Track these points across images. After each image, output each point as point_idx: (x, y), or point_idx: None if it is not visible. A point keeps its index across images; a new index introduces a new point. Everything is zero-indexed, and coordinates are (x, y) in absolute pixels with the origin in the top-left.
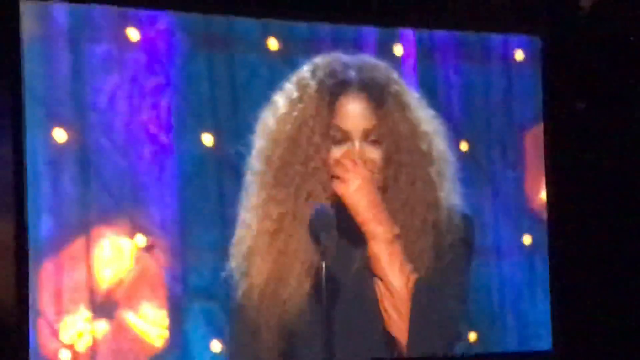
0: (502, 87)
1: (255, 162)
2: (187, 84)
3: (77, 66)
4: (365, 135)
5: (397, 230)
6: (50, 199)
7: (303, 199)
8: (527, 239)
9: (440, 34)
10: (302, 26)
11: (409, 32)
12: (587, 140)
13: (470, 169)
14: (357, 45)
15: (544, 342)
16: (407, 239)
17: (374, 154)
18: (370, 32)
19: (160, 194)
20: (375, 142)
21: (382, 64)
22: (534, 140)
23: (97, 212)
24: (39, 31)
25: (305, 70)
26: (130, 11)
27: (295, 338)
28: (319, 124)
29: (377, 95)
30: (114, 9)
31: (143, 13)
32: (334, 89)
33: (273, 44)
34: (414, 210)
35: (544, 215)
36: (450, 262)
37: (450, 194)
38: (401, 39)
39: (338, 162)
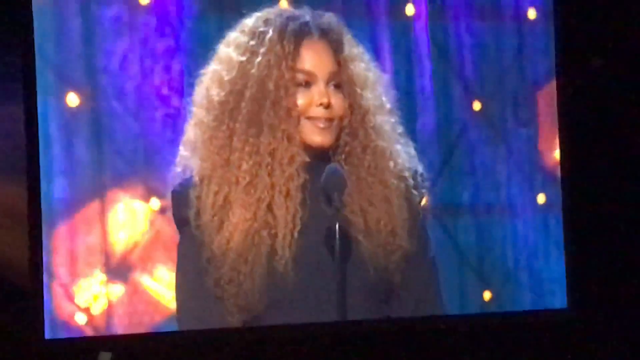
0: (515, 46)
1: (207, 115)
2: (198, 46)
3: (88, 30)
4: (330, 78)
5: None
6: (64, 163)
7: (278, 144)
8: (541, 198)
9: None
10: None
11: None
12: (602, 98)
13: (483, 128)
14: (368, 4)
15: (559, 300)
16: (372, 185)
17: (338, 98)
18: None
19: (174, 156)
20: (337, 87)
21: (329, 14)
22: (547, 99)
23: (111, 176)
24: None
25: (253, 20)
26: None
27: (280, 291)
28: (285, 67)
29: (336, 42)
30: None
31: None
32: (297, 32)
33: (284, 4)
34: (379, 157)
35: (558, 174)
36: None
37: (402, 149)
38: None
39: (305, 106)
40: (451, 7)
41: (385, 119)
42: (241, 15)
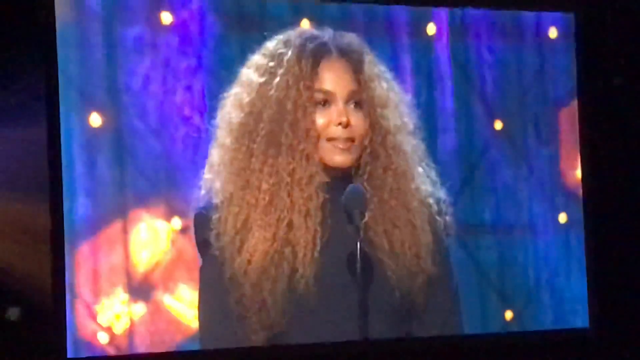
0: (536, 65)
1: (227, 137)
2: (220, 66)
3: (111, 50)
4: (349, 98)
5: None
6: (87, 183)
7: (296, 164)
8: (562, 217)
9: (473, 12)
10: (334, 7)
11: (441, 11)
12: (623, 117)
13: (505, 148)
14: (389, 24)
15: (581, 319)
16: (395, 207)
17: (358, 117)
18: (402, 11)
19: (196, 176)
20: (357, 106)
21: (352, 34)
22: (568, 118)
23: (133, 195)
24: (72, 15)
25: (274, 43)
26: None
27: (302, 311)
28: (303, 87)
29: (356, 61)
30: None
31: None
32: (315, 53)
33: (305, 25)
34: (402, 178)
35: (580, 193)
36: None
37: (424, 173)
38: (433, 18)
39: (324, 126)
40: (472, 26)
41: (407, 140)
42: (263, 36)
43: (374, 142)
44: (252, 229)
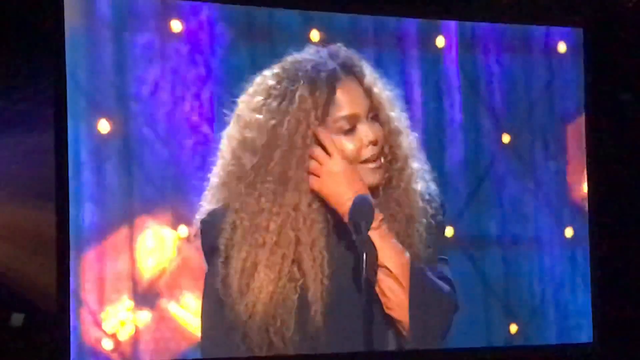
0: (544, 80)
1: (242, 182)
2: (229, 75)
3: (120, 57)
4: (368, 113)
5: (380, 216)
6: (94, 189)
7: (304, 194)
8: (568, 232)
9: (482, 25)
10: (343, 17)
11: (450, 24)
12: (630, 132)
13: (512, 161)
14: (398, 37)
15: (585, 334)
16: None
17: (378, 129)
18: (412, 24)
19: (203, 184)
20: (374, 118)
21: (343, 47)
22: (575, 133)
23: (140, 202)
24: (82, 22)
25: (274, 80)
26: (173, 2)
27: (315, 334)
28: (314, 118)
29: (357, 73)
30: (156, 0)
31: (185, 4)
32: (327, 80)
33: (315, 35)
34: (407, 196)
35: (586, 208)
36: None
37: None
38: (443, 31)
39: (356, 150)
40: (481, 39)
41: (414, 158)
42: (272, 44)
43: (392, 147)
44: (257, 269)
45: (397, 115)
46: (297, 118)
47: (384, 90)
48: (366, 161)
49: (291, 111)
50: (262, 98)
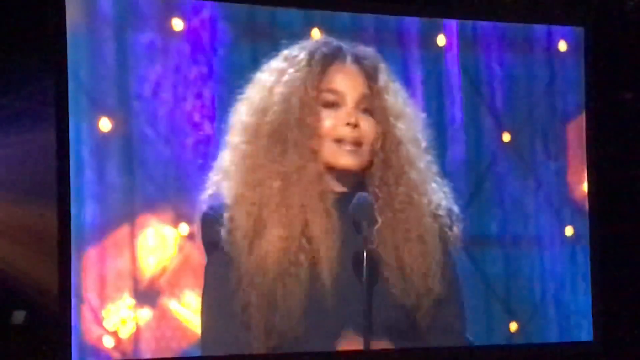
0: (545, 78)
1: (237, 136)
2: (230, 74)
3: (122, 55)
4: (360, 101)
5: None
6: (95, 188)
7: (305, 160)
8: (569, 230)
9: (483, 24)
10: (345, 16)
11: (452, 23)
12: (630, 131)
13: (513, 160)
14: (399, 35)
15: (585, 333)
16: (404, 221)
17: (367, 123)
18: (413, 23)
19: (204, 183)
20: (367, 112)
21: (372, 49)
22: (576, 132)
23: (142, 201)
24: (84, 20)
25: (291, 49)
26: (175, 1)
27: (320, 317)
28: (310, 85)
29: (370, 70)
30: None
31: (187, 3)
32: (327, 56)
33: (316, 34)
34: (413, 191)
35: (587, 207)
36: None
37: (437, 188)
38: (444, 30)
39: (332, 127)
40: (483, 38)
41: (420, 155)
42: (273, 44)
43: (387, 150)
44: (266, 228)
45: (405, 128)
46: (294, 79)
47: (396, 101)
48: (341, 141)
49: (289, 72)
50: (272, 61)
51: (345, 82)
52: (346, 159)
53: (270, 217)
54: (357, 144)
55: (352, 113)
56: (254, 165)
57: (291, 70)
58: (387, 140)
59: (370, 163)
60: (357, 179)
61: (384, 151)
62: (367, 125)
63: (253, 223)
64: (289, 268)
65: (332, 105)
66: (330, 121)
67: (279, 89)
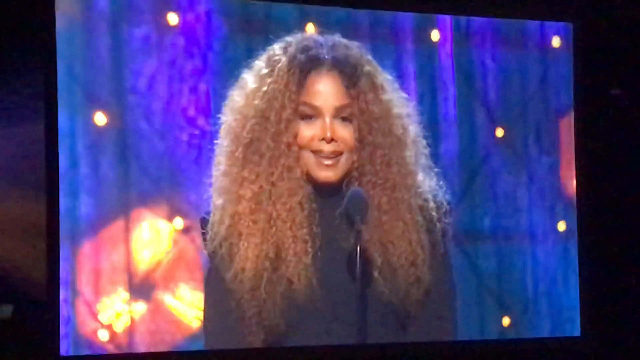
0: (539, 74)
1: (223, 140)
2: (225, 68)
3: (117, 49)
4: (337, 113)
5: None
6: (90, 181)
7: (278, 176)
8: (561, 225)
9: (477, 20)
10: (339, 11)
11: (445, 18)
12: (620, 127)
13: (506, 155)
14: (394, 30)
15: (577, 327)
16: (388, 222)
17: (345, 131)
18: (407, 18)
19: (199, 177)
20: (346, 120)
21: (355, 44)
22: (569, 127)
23: (136, 195)
24: (79, 14)
25: (276, 47)
26: None
27: (300, 314)
28: (288, 99)
29: (350, 74)
30: None
31: None
32: (304, 65)
33: (311, 29)
34: (393, 192)
35: None
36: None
37: (426, 180)
38: (438, 25)
39: (308, 139)
40: (476, 33)
41: (401, 153)
42: (268, 39)
43: (362, 157)
44: (241, 238)
45: (384, 128)
46: (272, 91)
47: (377, 100)
48: (319, 154)
49: (268, 82)
50: (257, 62)
51: (322, 96)
52: (325, 174)
53: (245, 228)
54: (337, 153)
55: (327, 127)
56: (230, 172)
57: (270, 80)
58: (363, 146)
59: (349, 171)
60: (338, 188)
61: (360, 158)
62: (347, 133)
63: (228, 234)
64: (264, 273)
65: (309, 117)
66: (308, 133)
67: (257, 101)
